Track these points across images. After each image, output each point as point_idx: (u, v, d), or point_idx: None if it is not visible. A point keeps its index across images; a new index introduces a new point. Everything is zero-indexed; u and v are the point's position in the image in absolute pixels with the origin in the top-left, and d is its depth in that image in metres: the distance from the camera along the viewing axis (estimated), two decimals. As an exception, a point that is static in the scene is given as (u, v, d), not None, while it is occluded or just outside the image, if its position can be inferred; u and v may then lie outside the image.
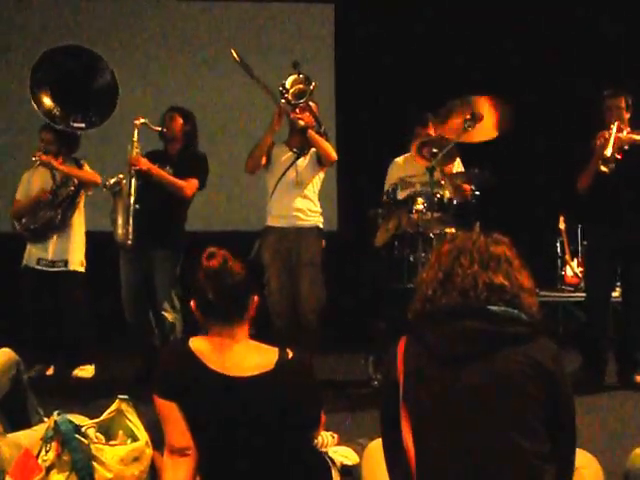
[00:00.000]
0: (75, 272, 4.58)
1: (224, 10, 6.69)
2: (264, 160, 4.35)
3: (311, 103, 4.32)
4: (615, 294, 4.57)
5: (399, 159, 4.65)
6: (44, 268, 4.52)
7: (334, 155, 4.31)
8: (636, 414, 3.75)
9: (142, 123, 4.28)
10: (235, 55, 4.13)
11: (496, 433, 1.58)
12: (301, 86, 4.14)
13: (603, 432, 3.35)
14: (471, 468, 1.57)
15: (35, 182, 4.61)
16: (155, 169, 4.27)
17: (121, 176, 4.19)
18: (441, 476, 1.61)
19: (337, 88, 6.65)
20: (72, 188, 4.55)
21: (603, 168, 4.02)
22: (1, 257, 5.65)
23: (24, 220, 4.55)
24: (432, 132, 4.42)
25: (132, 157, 4.20)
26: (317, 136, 4.27)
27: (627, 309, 4.40)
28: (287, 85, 4.14)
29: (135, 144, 4.24)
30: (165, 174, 4.31)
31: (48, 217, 4.51)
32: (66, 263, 4.54)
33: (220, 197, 6.17)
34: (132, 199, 4.14)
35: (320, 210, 4.39)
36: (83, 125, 4.29)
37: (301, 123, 4.23)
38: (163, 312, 4.32)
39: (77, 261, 4.60)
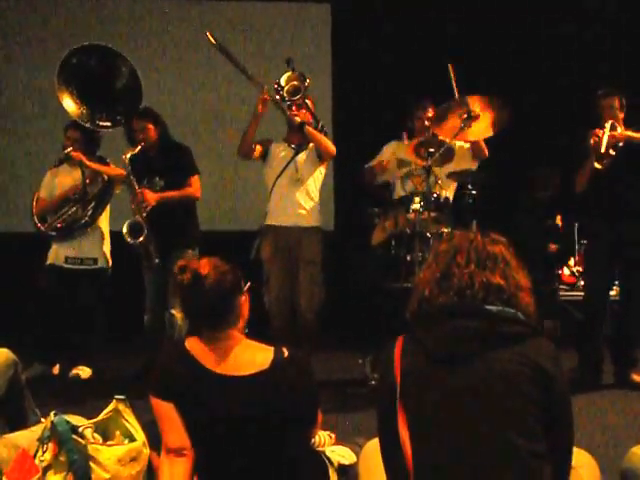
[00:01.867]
0: (102, 269, 4.59)
1: (221, 9, 6.69)
2: (258, 150, 4.35)
3: (307, 100, 4.33)
4: (612, 293, 4.57)
5: (387, 146, 4.61)
6: (72, 266, 4.51)
7: (333, 149, 4.30)
8: (633, 413, 3.75)
9: (130, 156, 4.21)
10: (211, 38, 4.11)
11: (493, 432, 1.58)
12: (296, 83, 4.14)
13: (600, 431, 3.35)
14: (468, 467, 1.57)
15: (61, 180, 4.60)
16: (163, 197, 4.28)
17: (138, 219, 4.20)
18: (438, 475, 1.61)
19: (334, 87, 6.65)
20: (101, 185, 4.54)
21: (597, 165, 4.03)
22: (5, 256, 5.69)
23: (49, 219, 4.53)
24: (430, 115, 4.33)
25: (140, 200, 4.20)
26: (315, 131, 4.27)
27: (625, 307, 4.40)
28: (282, 83, 4.14)
29: (134, 183, 4.23)
30: (173, 194, 4.31)
31: (76, 215, 4.50)
32: (95, 261, 4.55)
33: (220, 196, 6.18)
34: (147, 229, 4.19)
35: (320, 208, 4.39)
36: (109, 124, 4.29)
37: (297, 120, 4.23)
38: (172, 310, 4.27)
39: (105, 259, 4.61)
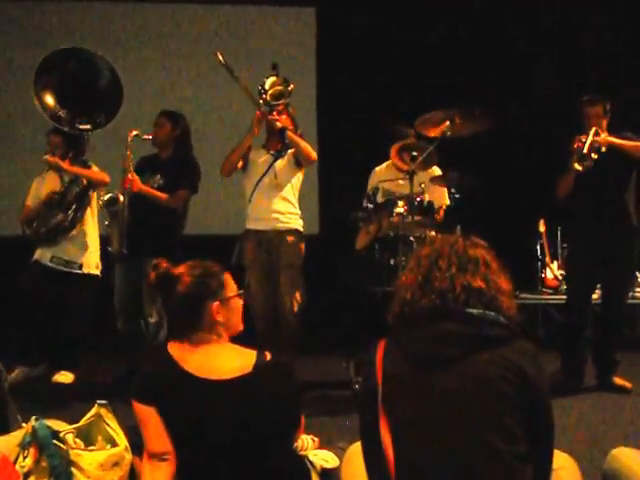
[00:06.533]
0: (90, 275, 4.55)
1: (206, 13, 6.68)
2: (240, 164, 4.36)
3: (290, 108, 4.34)
4: (594, 296, 4.60)
5: (378, 168, 4.71)
6: (57, 266, 4.47)
7: (314, 154, 4.31)
8: (614, 415, 3.78)
9: (134, 135, 4.28)
10: (220, 58, 4.12)
11: (474, 435, 1.58)
12: (280, 88, 4.14)
13: (581, 433, 3.37)
14: (449, 470, 1.58)
15: (45, 187, 4.57)
16: (146, 190, 4.28)
17: (117, 194, 4.20)
18: (420, 478, 1.62)
19: (318, 91, 6.66)
20: (80, 189, 4.51)
21: (578, 166, 4.05)
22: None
23: (34, 225, 4.50)
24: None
25: (127, 178, 4.21)
26: (295, 136, 4.28)
27: (607, 310, 4.43)
28: (266, 86, 4.14)
29: (130, 161, 4.25)
30: (153, 192, 4.31)
31: (58, 220, 4.47)
32: (81, 266, 4.51)
33: (201, 201, 6.15)
34: (125, 213, 4.18)
35: (299, 212, 4.39)
36: (89, 126, 4.27)
37: (278, 125, 4.24)
38: (148, 318, 4.27)
39: (92, 264, 4.58)
